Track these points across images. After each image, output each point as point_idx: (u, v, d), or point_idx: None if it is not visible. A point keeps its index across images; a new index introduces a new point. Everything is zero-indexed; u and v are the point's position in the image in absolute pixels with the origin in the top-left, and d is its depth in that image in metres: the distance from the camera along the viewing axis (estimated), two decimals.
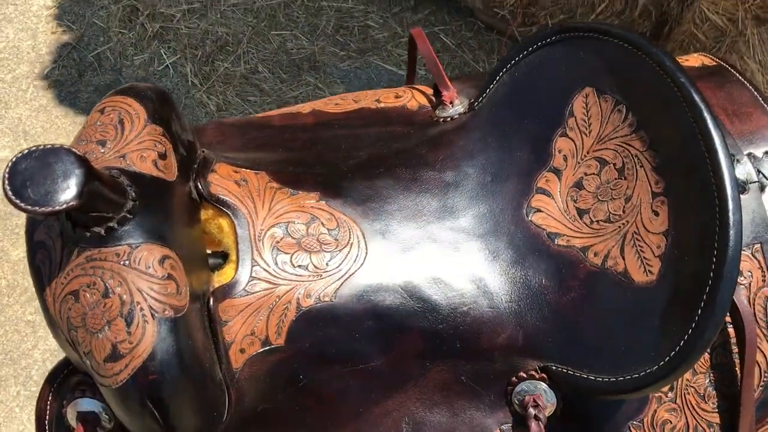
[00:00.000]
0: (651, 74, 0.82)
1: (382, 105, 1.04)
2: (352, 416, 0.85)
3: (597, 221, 0.86)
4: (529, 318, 0.85)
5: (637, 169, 0.83)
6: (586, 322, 0.83)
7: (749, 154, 0.91)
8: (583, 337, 0.82)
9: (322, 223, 0.85)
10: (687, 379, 0.86)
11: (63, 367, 0.80)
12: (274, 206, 0.85)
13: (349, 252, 0.84)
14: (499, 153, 0.93)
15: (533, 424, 0.83)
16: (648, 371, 0.76)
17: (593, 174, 0.87)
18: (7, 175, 0.61)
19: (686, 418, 0.87)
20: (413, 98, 1.04)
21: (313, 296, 0.81)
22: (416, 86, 1.08)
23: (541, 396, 0.84)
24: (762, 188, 0.90)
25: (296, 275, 0.81)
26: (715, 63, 1.07)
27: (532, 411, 0.83)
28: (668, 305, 0.76)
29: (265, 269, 0.80)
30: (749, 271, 0.87)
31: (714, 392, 0.87)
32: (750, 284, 0.87)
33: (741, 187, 0.88)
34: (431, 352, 0.85)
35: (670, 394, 0.86)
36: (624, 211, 0.84)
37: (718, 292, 0.72)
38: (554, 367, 0.83)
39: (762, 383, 0.87)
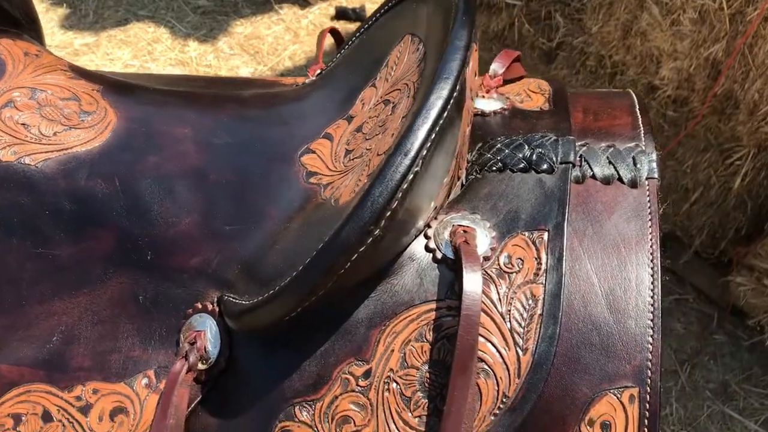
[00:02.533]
0: (445, 14, 0.70)
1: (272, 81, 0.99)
2: (11, 306, 0.72)
3: (352, 159, 0.71)
4: (235, 243, 0.69)
5: (405, 93, 0.69)
6: (284, 250, 0.66)
7: (585, 144, 0.71)
8: (270, 265, 0.65)
9: (80, 102, 0.79)
10: (392, 368, 0.62)
11: None
12: (43, 76, 0.81)
13: (84, 133, 0.76)
14: (314, 98, 0.83)
15: (178, 363, 0.64)
16: (273, 291, 0.58)
17: (375, 116, 0.73)
18: None
19: (377, 422, 0.61)
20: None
21: (18, 155, 0.73)
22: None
23: (203, 333, 0.65)
24: (581, 179, 0.69)
25: (11, 131, 0.75)
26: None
27: (185, 346, 0.65)
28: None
29: None
30: (520, 259, 0.64)
31: (425, 401, 0.61)
32: (514, 276, 0.64)
33: (536, 164, 0.69)
34: (119, 257, 0.71)
35: (363, 382, 0.62)
36: (375, 144, 0.69)
37: (354, 210, 0.56)
38: (225, 297, 0.66)
39: (495, 412, 0.60)
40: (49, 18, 3.20)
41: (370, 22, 0.88)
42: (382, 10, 0.86)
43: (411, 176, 0.56)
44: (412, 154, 0.56)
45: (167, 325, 0.69)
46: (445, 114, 0.58)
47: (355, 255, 0.56)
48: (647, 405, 0.60)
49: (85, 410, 0.67)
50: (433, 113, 0.58)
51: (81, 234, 0.72)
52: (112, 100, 0.81)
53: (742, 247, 2.03)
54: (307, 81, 0.92)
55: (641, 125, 0.74)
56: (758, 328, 2.08)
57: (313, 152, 0.76)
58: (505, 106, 0.79)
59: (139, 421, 0.66)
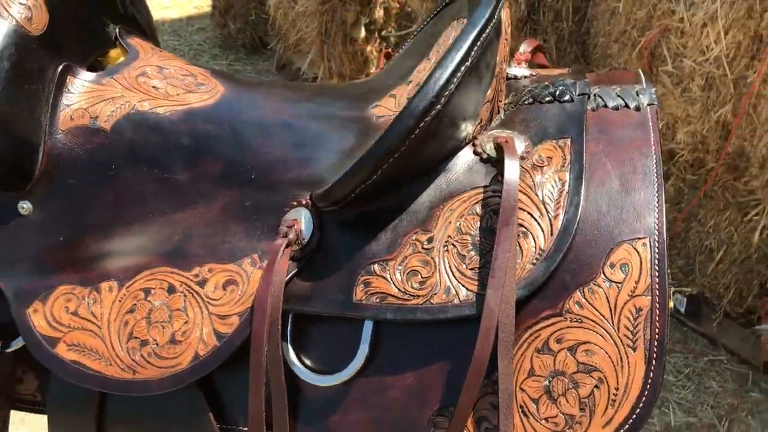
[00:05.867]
0: None
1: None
2: (139, 219, 0.90)
3: None
4: (322, 162, 0.87)
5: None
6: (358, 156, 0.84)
7: (598, 86, 0.90)
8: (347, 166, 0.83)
9: (196, 78, 1.01)
10: (450, 235, 0.78)
11: None
12: (167, 61, 1.04)
13: (200, 96, 0.97)
14: (380, 79, 1.04)
15: (279, 239, 0.81)
16: (344, 172, 0.78)
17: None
18: None
19: (439, 275, 0.76)
20: None
21: (149, 107, 0.94)
22: None
23: (299, 220, 0.82)
24: (595, 108, 0.87)
25: (145, 90, 0.96)
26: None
27: (284, 229, 0.82)
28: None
29: (124, 78, 0.97)
30: (549, 157, 0.81)
31: (477, 258, 0.77)
32: (545, 168, 0.80)
33: (559, 97, 0.87)
34: (228, 177, 0.90)
35: (427, 245, 0.78)
36: None
37: (408, 105, 0.76)
38: (315, 192, 0.83)
39: (533, 261, 0.75)
40: None
41: (420, 28, 1.10)
42: (429, 19, 1.09)
43: (462, 68, 0.75)
44: (464, 49, 0.76)
45: (268, 224, 0.86)
46: (488, 29, 0.78)
47: (422, 124, 0.74)
48: (656, 249, 0.74)
49: (202, 283, 0.83)
50: (480, 24, 0.78)
51: (196, 162, 0.91)
52: (219, 79, 1.03)
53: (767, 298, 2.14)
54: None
55: (643, 77, 0.93)
56: None
57: (380, 106, 0.95)
58: (533, 73, 0.99)
59: (246, 289, 0.82)
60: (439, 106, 0.74)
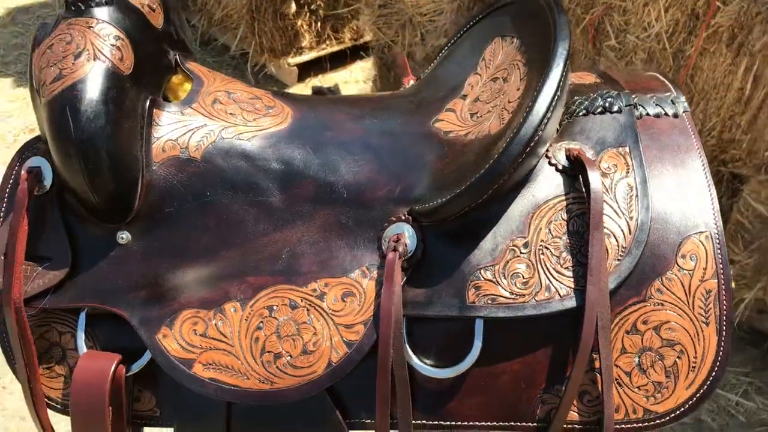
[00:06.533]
0: (538, 15, 1.03)
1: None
2: (242, 241, 0.97)
3: (481, 115, 1.01)
4: (409, 179, 0.97)
5: (514, 71, 1.01)
6: (451, 173, 0.94)
7: (635, 96, 1.04)
8: (443, 184, 0.93)
9: (262, 100, 1.07)
10: (542, 240, 0.91)
11: (32, 141, 1.02)
12: (229, 84, 1.09)
13: (273, 120, 1.04)
14: (427, 92, 1.13)
15: (390, 254, 0.90)
16: (459, 190, 0.88)
17: (488, 89, 1.04)
18: None
19: (539, 275, 0.89)
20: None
21: (233, 133, 1.01)
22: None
23: (403, 234, 0.93)
24: (639, 117, 1.01)
25: (223, 118, 1.02)
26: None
27: (392, 243, 0.92)
28: (497, 139, 0.89)
29: (202, 107, 1.02)
30: (614, 164, 0.95)
31: (569, 258, 0.90)
32: (612, 174, 0.94)
33: (610, 108, 1.00)
34: (322, 197, 0.98)
35: (524, 250, 0.91)
36: (498, 98, 0.99)
37: (518, 131, 0.86)
38: (417, 207, 0.93)
39: (618, 258, 0.90)
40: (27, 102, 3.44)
41: (451, 43, 1.21)
42: (460, 33, 1.20)
43: (555, 102, 0.87)
44: (555, 84, 0.87)
45: (368, 237, 0.95)
46: (566, 63, 0.90)
47: (528, 149, 0.85)
48: (717, 240, 0.90)
49: (321, 297, 0.92)
50: (564, 58, 0.89)
51: (288, 184, 0.99)
52: (281, 99, 1.10)
53: None
54: (410, 84, 1.22)
55: (671, 85, 1.07)
56: None
57: (443, 120, 1.06)
58: (570, 82, 1.12)
59: (364, 298, 0.91)
60: (541, 132, 0.86)
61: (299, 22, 3.63)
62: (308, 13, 3.65)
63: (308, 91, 3.80)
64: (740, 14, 2.00)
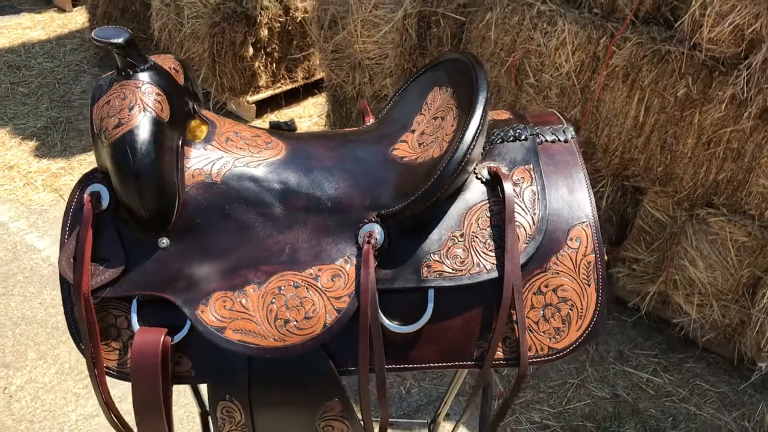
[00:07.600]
0: (465, 72, 1.41)
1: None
2: (254, 241, 1.32)
3: (426, 144, 1.39)
4: (376, 191, 1.34)
5: (449, 112, 1.39)
6: (407, 187, 1.31)
7: (538, 127, 1.43)
8: (402, 194, 1.30)
9: (263, 138, 1.43)
10: (473, 232, 1.28)
11: (90, 172, 1.35)
12: (236, 127, 1.44)
13: (272, 152, 1.40)
14: (385, 128, 1.51)
15: (365, 246, 1.26)
16: (413, 197, 1.24)
17: (431, 125, 1.42)
18: (96, 34, 1.27)
19: (472, 256, 1.26)
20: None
21: (244, 163, 1.36)
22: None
23: (374, 231, 1.29)
24: (540, 142, 1.40)
25: (236, 152, 1.37)
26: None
27: (366, 238, 1.28)
28: (438, 161, 1.27)
29: (218, 143, 1.37)
30: (522, 177, 1.33)
31: (492, 243, 1.27)
32: (522, 184, 1.32)
33: (519, 137, 1.39)
34: (312, 208, 1.33)
35: (461, 239, 1.28)
36: (438, 132, 1.37)
37: (453, 155, 1.23)
38: (383, 212, 1.29)
39: (526, 242, 1.27)
40: (22, 150, 3.69)
41: (401, 90, 1.58)
42: (407, 83, 1.58)
43: (478, 134, 1.25)
44: (477, 122, 1.25)
45: (348, 235, 1.31)
46: (486, 107, 1.28)
47: (460, 166, 1.23)
48: (594, 227, 1.29)
49: (317, 279, 1.27)
50: (482, 103, 1.27)
51: (287, 199, 1.34)
52: (275, 136, 1.46)
53: (613, 248, 2.83)
54: (370, 123, 1.59)
55: (563, 119, 1.47)
56: (636, 308, 2.85)
57: (398, 149, 1.43)
58: (490, 119, 1.51)
59: (348, 278, 1.27)
60: (469, 155, 1.24)
61: (256, 64, 3.98)
62: (264, 56, 4.01)
63: (266, 126, 4.17)
64: (631, 56, 2.44)
